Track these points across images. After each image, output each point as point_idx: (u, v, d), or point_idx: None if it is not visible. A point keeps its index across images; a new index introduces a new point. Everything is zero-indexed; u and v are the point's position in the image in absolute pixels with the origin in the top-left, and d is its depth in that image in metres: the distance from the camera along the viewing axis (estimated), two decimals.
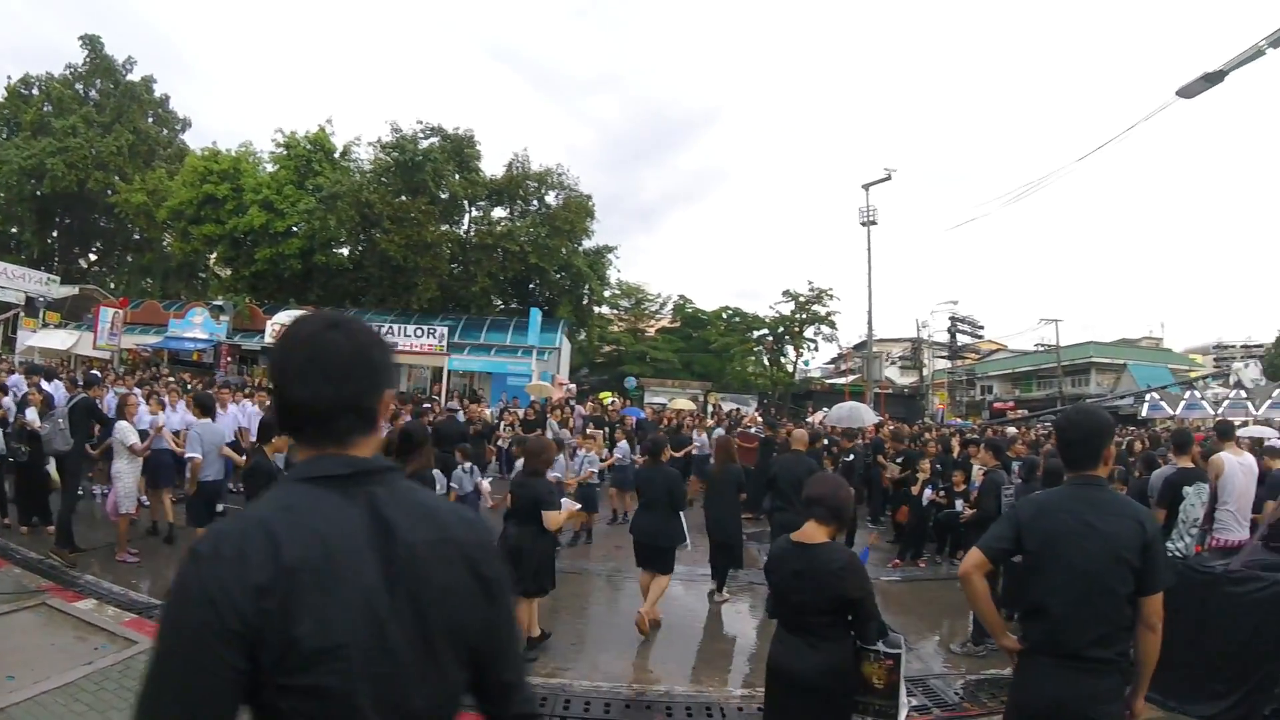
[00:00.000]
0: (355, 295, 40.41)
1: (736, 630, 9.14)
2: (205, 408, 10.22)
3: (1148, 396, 36.13)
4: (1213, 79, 19.70)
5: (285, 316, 34.65)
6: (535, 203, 42.70)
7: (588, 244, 43.97)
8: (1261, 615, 5.72)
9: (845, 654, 3.90)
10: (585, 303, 45.32)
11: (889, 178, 44.46)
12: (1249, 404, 28.95)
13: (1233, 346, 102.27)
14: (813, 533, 4.03)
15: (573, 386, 36.70)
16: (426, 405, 21.17)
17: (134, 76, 50.26)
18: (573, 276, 42.83)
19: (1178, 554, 7.23)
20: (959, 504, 11.41)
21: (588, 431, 15.71)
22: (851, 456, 13.71)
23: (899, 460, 14.43)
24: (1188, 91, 20.49)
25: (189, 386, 18.95)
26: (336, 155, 41.66)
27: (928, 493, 12.40)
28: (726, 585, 9.97)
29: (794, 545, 4.05)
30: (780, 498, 9.61)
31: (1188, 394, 34.22)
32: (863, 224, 43.50)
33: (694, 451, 17.45)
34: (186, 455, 9.50)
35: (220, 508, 8.87)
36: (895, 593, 11.23)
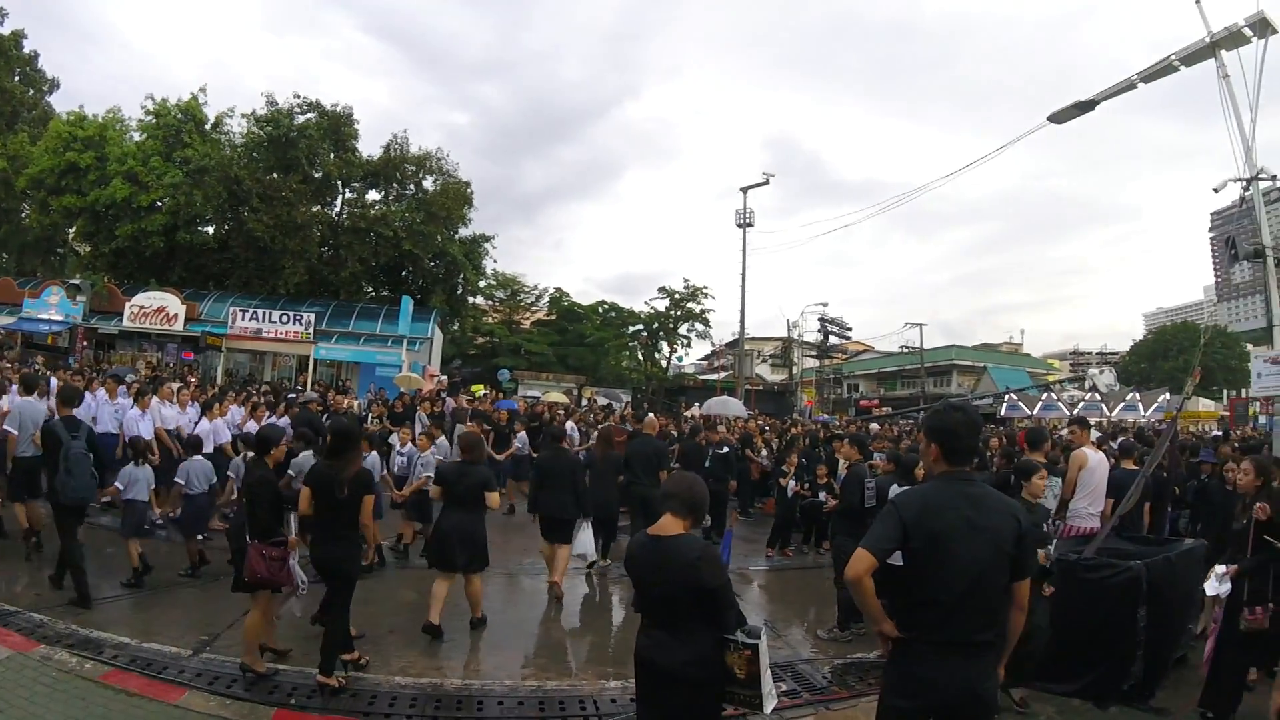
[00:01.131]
0: (219, 277, 38.28)
1: (609, 622, 9.10)
2: (28, 386, 10.12)
3: (1006, 397, 37.37)
4: (1084, 107, 20.59)
5: (145, 298, 33.02)
6: (412, 187, 41.37)
7: (464, 232, 42.99)
8: (1114, 600, 5.89)
9: (709, 644, 3.86)
10: (459, 292, 44.27)
11: (767, 182, 45.37)
12: (1103, 406, 30.12)
13: (1089, 353, 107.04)
14: (669, 525, 3.99)
15: (444, 378, 35.26)
16: (292, 395, 20.49)
17: (4, 30, 45.75)
18: (447, 265, 41.62)
19: None
20: (822, 495, 11.65)
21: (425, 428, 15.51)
22: (725, 449, 13.78)
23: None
24: (1059, 117, 21.36)
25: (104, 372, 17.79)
26: (208, 127, 38.80)
27: (792, 484, 12.70)
28: (608, 556, 10.90)
29: (651, 539, 4.01)
30: (633, 474, 11.24)
31: (1045, 396, 35.54)
32: (739, 225, 44.15)
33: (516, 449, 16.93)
34: (3, 428, 9.40)
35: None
36: (765, 581, 11.41)
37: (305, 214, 36.55)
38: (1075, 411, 29.95)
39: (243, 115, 38.73)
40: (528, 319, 59.35)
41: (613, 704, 6.18)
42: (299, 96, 38.34)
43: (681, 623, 3.86)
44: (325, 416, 14.64)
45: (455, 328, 47.98)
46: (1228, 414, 35.70)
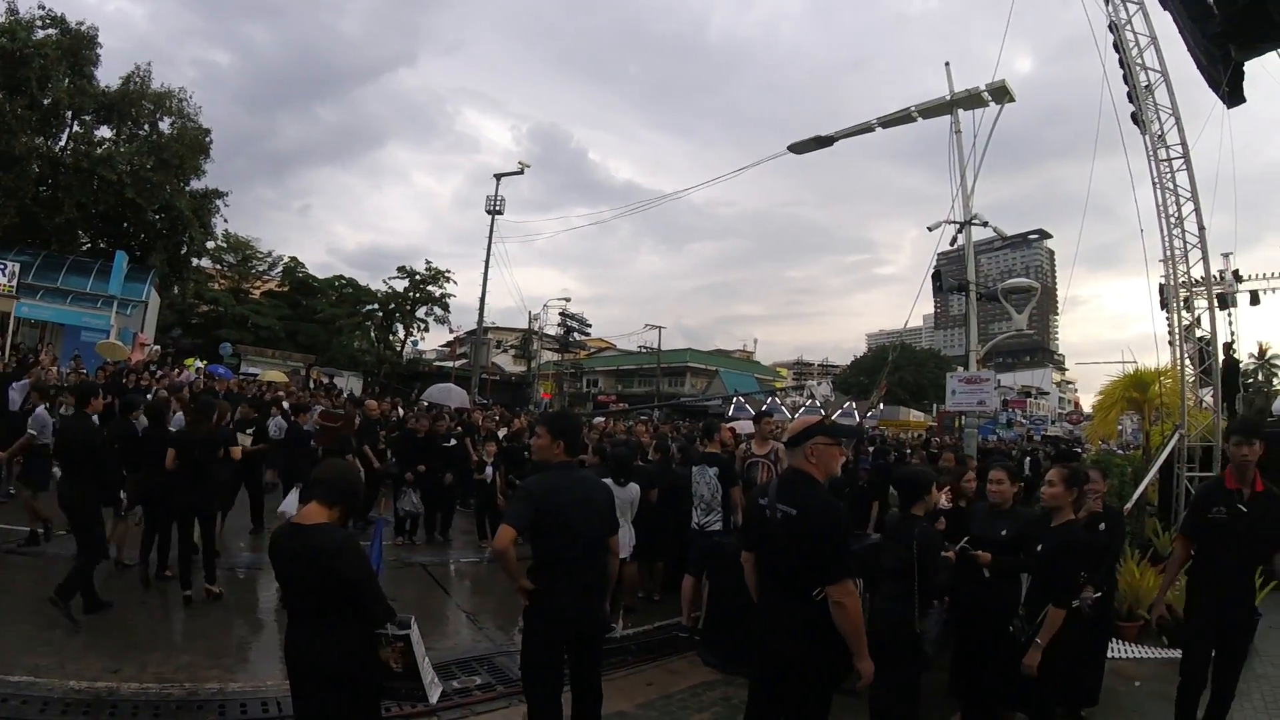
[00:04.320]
0: None
1: None
2: None
3: (734, 399, 38.80)
4: (823, 141, 21.51)
5: None
6: (147, 127, 36.84)
7: (196, 184, 38.98)
8: None
9: (358, 639, 3.70)
10: (184, 252, 39.85)
11: (521, 171, 45.44)
12: (822, 412, 31.86)
13: (812, 364, 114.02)
14: (313, 513, 3.77)
15: (157, 349, 32.52)
16: None
17: None
18: (172, 219, 37.14)
19: (696, 527, 8.30)
20: None
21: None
22: (453, 442, 13.43)
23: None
24: (799, 148, 22.21)
25: None
26: None
27: (489, 471, 12.70)
28: None
29: (293, 528, 3.80)
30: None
31: (769, 400, 37.26)
32: (489, 211, 43.71)
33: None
34: None
35: None
36: (474, 574, 11.28)
37: (25, 145, 31.97)
38: (797, 415, 31.84)
39: None
40: (258, 288, 56.49)
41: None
42: (44, 8, 33.23)
43: (327, 617, 3.67)
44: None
45: (176, 292, 44.14)
46: (935, 424, 39.18)
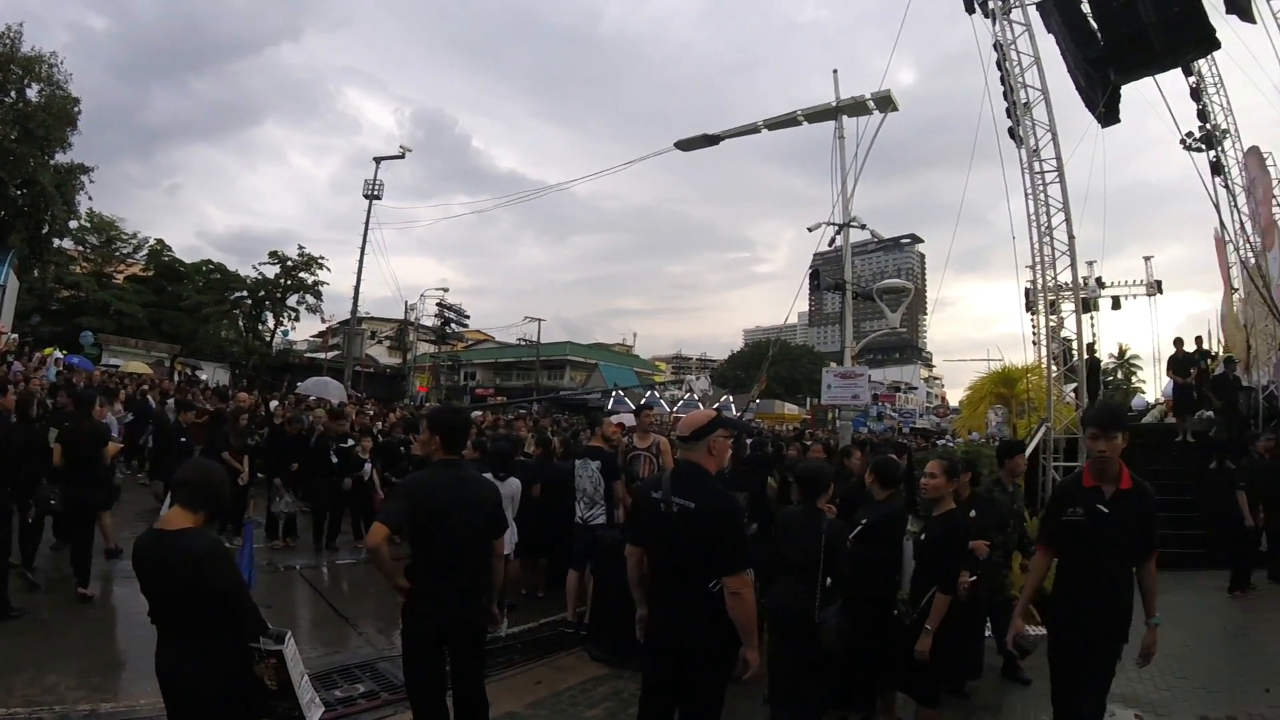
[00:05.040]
0: None
1: None
2: None
3: (614, 393, 38.92)
4: (710, 140, 21.87)
5: None
6: (13, 94, 34.07)
7: (61, 158, 36.28)
8: None
9: (230, 655, 3.48)
10: (45, 231, 37.20)
11: (402, 155, 44.92)
12: (700, 405, 32.27)
13: (690, 359, 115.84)
14: (176, 518, 3.53)
15: (14, 337, 30.55)
16: None
17: None
18: (34, 196, 34.58)
19: (580, 521, 8.32)
20: None
21: None
22: (350, 442, 13.01)
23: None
24: (686, 145, 22.51)
25: None
26: None
27: (367, 468, 12.45)
28: None
29: (156, 534, 3.55)
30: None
31: (648, 393, 37.58)
32: (366, 196, 42.78)
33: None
34: None
35: None
36: (351, 576, 11.03)
37: None
38: (676, 408, 32.24)
39: None
40: (122, 273, 53.27)
41: None
42: None
43: (197, 630, 3.47)
44: None
45: (35, 275, 40.73)
46: (810, 417, 40.05)
